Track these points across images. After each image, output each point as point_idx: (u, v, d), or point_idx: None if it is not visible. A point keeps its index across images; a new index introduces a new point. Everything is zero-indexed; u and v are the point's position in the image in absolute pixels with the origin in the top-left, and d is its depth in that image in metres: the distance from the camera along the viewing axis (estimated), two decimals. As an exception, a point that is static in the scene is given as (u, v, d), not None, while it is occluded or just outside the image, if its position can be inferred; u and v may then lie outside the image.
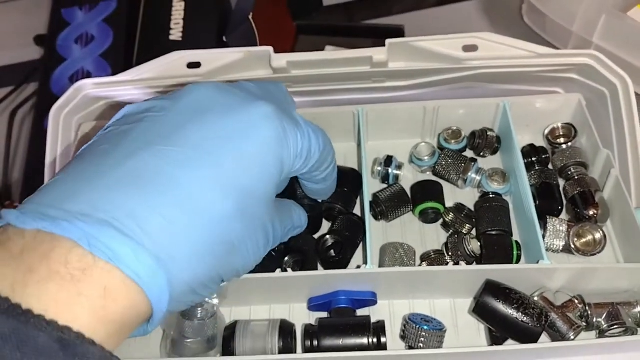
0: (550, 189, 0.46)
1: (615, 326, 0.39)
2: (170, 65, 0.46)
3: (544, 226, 0.43)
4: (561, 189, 0.46)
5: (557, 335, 0.39)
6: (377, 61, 0.44)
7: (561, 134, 0.49)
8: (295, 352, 0.40)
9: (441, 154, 0.48)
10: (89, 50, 0.62)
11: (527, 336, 0.38)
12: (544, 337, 0.39)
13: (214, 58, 0.46)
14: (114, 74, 0.48)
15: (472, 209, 0.46)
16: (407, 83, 0.48)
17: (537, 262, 0.39)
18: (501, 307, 0.38)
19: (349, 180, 0.47)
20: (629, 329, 0.39)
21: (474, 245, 0.43)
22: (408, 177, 0.50)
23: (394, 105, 0.49)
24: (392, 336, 0.41)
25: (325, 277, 0.40)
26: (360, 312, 0.42)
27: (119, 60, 0.61)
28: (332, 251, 0.44)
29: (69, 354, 0.20)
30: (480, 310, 0.38)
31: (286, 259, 0.42)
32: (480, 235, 0.44)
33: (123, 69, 0.47)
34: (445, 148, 0.49)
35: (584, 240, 0.42)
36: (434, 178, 0.49)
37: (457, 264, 0.43)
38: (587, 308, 0.39)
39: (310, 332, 0.39)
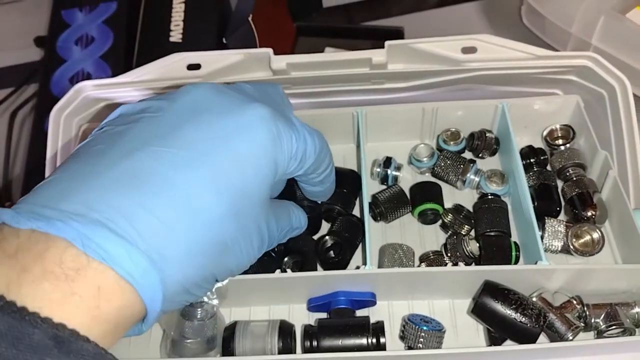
0: (549, 190, 0.46)
1: (614, 327, 0.39)
2: (170, 67, 0.46)
3: (542, 227, 0.43)
4: (559, 190, 0.47)
5: (556, 336, 0.39)
6: (376, 63, 0.45)
7: (559, 135, 0.49)
8: (295, 353, 0.40)
9: (440, 155, 0.49)
10: (89, 51, 0.62)
11: (525, 337, 0.38)
12: (543, 337, 0.39)
13: (213, 60, 0.46)
14: (114, 75, 0.48)
15: (471, 210, 0.46)
16: (406, 85, 0.49)
17: (536, 263, 0.39)
18: (500, 307, 0.38)
19: (348, 181, 0.47)
20: (627, 330, 0.39)
21: (473, 246, 0.43)
22: (407, 178, 0.50)
23: (393, 106, 0.49)
24: (391, 337, 0.41)
25: (324, 278, 0.40)
26: (359, 313, 0.42)
27: (119, 61, 0.61)
28: (332, 252, 0.44)
29: (64, 350, 0.21)
30: (479, 310, 0.38)
31: (285, 259, 0.42)
32: (479, 236, 0.44)
33: (123, 71, 0.47)
34: (444, 149, 0.49)
35: (582, 240, 0.42)
36: (433, 179, 0.49)
37: (455, 264, 0.43)
38: (586, 308, 0.40)
39: (309, 332, 0.40)
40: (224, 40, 0.60)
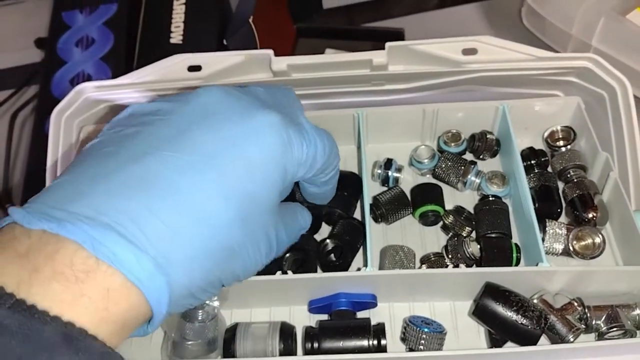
0: (550, 191, 0.46)
1: (614, 328, 0.39)
2: (171, 68, 0.46)
3: (543, 230, 0.43)
4: (560, 191, 0.47)
5: (557, 338, 0.39)
6: (377, 64, 0.45)
7: (560, 136, 0.49)
8: (296, 354, 0.40)
9: (441, 156, 0.49)
10: (90, 53, 0.62)
11: (526, 338, 0.38)
12: (544, 339, 0.39)
13: (214, 61, 0.46)
14: (114, 77, 0.48)
15: (472, 211, 0.46)
16: (407, 86, 0.49)
17: (537, 265, 0.39)
18: (501, 309, 0.38)
19: (349, 184, 0.47)
20: (628, 332, 0.39)
21: (474, 248, 0.43)
22: (408, 180, 0.50)
23: (393, 108, 0.49)
24: (392, 338, 0.41)
25: (325, 280, 0.40)
26: (360, 315, 0.42)
27: (120, 63, 0.61)
28: (332, 255, 0.44)
29: (73, 348, 0.21)
30: (480, 312, 0.38)
31: (287, 255, 0.42)
32: (480, 237, 0.44)
33: (123, 72, 0.47)
34: (445, 151, 0.49)
35: (583, 243, 0.42)
36: (434, 181, 0.49)
37: (456, 266, 0.43)
38: (586, 310, 0.40)
39: (310, 334, 0.39)
40: (225, 42, 0.60)
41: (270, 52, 0.45)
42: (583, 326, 0.39)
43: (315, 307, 0.42)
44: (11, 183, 0.61)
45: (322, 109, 0.49)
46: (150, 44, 0.62)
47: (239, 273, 0.30)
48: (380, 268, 0.43)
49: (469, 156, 0.50)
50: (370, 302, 0.42)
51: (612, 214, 0.44)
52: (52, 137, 0.47)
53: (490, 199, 0.46)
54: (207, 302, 0.40)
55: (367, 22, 0.72)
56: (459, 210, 0.46)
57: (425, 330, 0.39)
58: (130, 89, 0.47)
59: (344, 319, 0.41)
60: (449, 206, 0.47)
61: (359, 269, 0.42)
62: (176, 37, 0.62)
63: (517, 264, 0.43)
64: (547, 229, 0.43)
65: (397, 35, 0.66)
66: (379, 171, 0.49)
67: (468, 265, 0.43)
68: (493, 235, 0.44)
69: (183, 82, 0.46)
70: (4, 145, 0.61)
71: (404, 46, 0.45)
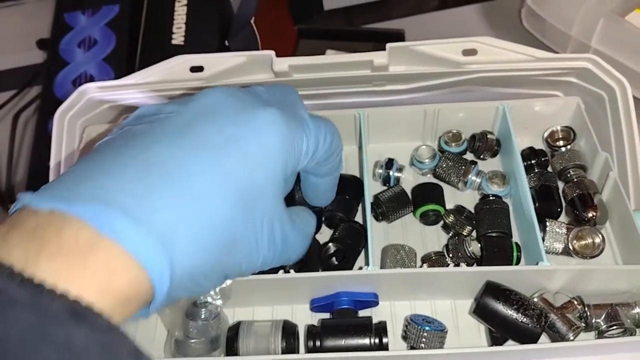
0: (550, 191, 0.46)
1: (614, 327, 0.39)
2: (173, 69, 0.46)
3: (543, 229, 0.43)
4: (560, 191, 0.47)
5: (557, 336, 0.39)
6: (377, 65, 0.45)
7: (560, 136, 0.49)
8: (298, 353, 0.40)
9: (441, 156, 0.49)
10: (92, 54, 0.63)
11: (527, 337, 0.38)
12: (544, 337, 0.39)
13: (216, 62, 0.46)
14: (116, 77, 0.48)
15: (473, 211, 0.47)
16: (408, 86, 0.49)
17: (537, 264, 0.39)
18: (501, 308, 0.38)
19: (350, 187, 0.47)
20: (628, 330, 0.39)
21: (474, 247, 0.44)
22: (409, 180, 0.50)
23: (394, 108, 0.49)
24: (393, 337, 0.41)
25: (327, 279, 0.41)
26: (362, 313, 0.42)
27: (122, 64, 0.62)
28: (334, 259, 0.44)
29: (80, 322, 0.22)
30: (481, 311, 0.39)
31: None
32: (481, 237, 0.45)
33: (125, 73, 0.47)
34: (446, 151, 0.49)
35: (583, 242, 0.43)
36: (435, 180, 0.49)
37: (457, 265, 0.43)
38: (586, 309, 0.40)
39: (312, 332, 0.40)
40: (227, 43, 0.60)
41: (272, 53, 0.45)
42: (583, 324, 0.39)
43: (317, 305, 0.42)
44: (14, 183, 0.61)
45: (323, 110, 0.49)
46: (152, 45, 0.62)
47: (242, 263, 0.31)
48: (382, 267, 0.44)
49: (469, 156, 0.50)
50: (371, 301, 0.42)
51: (611, 214, 0.45)
52: (55, 137, 0.47)
53: (491, 198, 0.46)
54: (210, 300, 0.40)
55: (368, 23, 0.73)
56: (459, 210, 0.46)
57: (427, 328, 0.39)
58: (133, 89, 0.47)
59: (345, 318, 0.41)
60: (449, 205, 0.47)
61: (360, 268, 0.42)
62: (178, 38, 0.62)
63: (518, 263, 0.43)
64: (547, 228, 0.43)
65: (398, 36, 0.66)
66: (380, 171, 0.49)
67: (469, 264, 0.43)
68: (493, 234, 0.44)
69: (185, 82, 0.46)
70: (6, 145, 0.62)
71: (404, 47, 0.45)
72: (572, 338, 0.39)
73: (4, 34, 0.75)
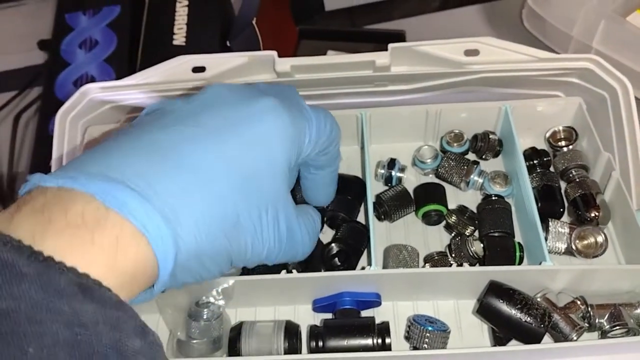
0: (552, 191, 0.46)
1: (617, 327, 0.39)
2: (175, 69, 0.46)
3: (545, 229, 0.43)
4: (562, 191, 0.47)
5: (560, 336, 0.39)
6: (379, 65, 0.45)
7: (562, 137, 0.49)
8: (301, 353, 0.40)
9: (444, 156, 0.49)
10: (93, 55, 0.63)
11: (530, 337, 0.38)
12: (547, 337, 0.39)
13: (218, 62, 0.46)
14: (117, 78, 0.48)
15: (475, 211, 0.47)
16: (410, 87, 0.49)
17: (540, 264, 0.39)
18: (505, 307, 0.38)
19: (352, 188, 0.47)
20: (631, 330, 0.39)
21: (477, 247, 0.43)
22: (411, 180, 0.50)
23: (396, 108, 0.49)
24: (396, 337, 0.41)
25: (329, 279, 0.41)
26: (364, 313, 0.42)
27: (123, 65, 0.62)
28: (337, 259, 0.44)
29: (88, 296, 0.22)
30: (484, 310, 0.39)
31: None
32: (483, 236, 0.44)
33: (127, 74, 0.47)
34: (448, 151, 0.49)
35: (585, 242, 0.43)
36: (437, 180, 0.49)
37: (460, 265, 0.43)
38: (590, 309, 0.40)
39: (315, 332, 0.40)
40: (228, 44, 0.60)
41: (274, 53, 0.45)
42: (586, 325, 0.39)
43: (319, 306, 0.42)
44: (15, 184, 0.61)
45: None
46: (153, 46, 0.62)
47: (248, 248, 0.31)
48: (384, 267, 0.44)
49: (471, 156, 0.50)
50: (374, 301, 0.42)
51: (614, 214, 0.45)
52: (57, 137, 0.47)
53: (493, 198, 0.46)
54: (212, 300, 0.40)
55: (369, 24, 0.73)
56: (462, 210, 0.46)
57: (429, 328, 0.39)
58: (135, 89, 0.47)
59: (348, 318, 0.41)
60: (452, 206, 0.47)
61: (363, 268, 0.42)
62: (179, 38, 0.62)
63: (520, 262, 0.43)
64: (549, 228, 0.43)
65: (399, 37, 0.66)
66: (382, 171, 0.49)
67: (471, 264, 0.43)
68: (496, 234, 0.44)
69: (187, 82, 0.46)
70: (7, 146, 0.61)
71: (406, 47, 0.45)
72: (575, 338, 0.39)
73: (4, 35, 0.75)
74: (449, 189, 0.48)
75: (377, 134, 0.51)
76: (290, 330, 0.40)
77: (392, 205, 0.46)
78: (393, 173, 0.49)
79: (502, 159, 0.51)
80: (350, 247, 0.44)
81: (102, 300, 0.22)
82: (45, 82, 0.62)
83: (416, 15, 0.72)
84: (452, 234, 0.46)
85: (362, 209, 0.48)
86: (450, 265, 0.43)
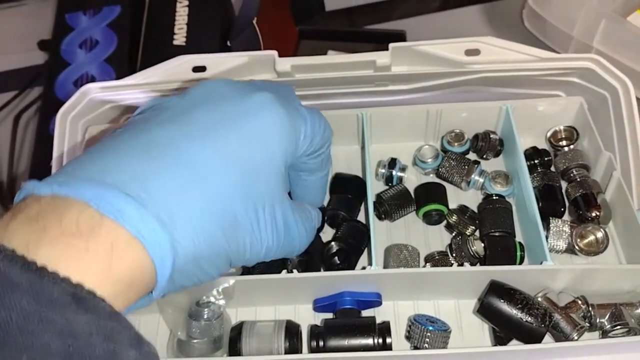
0: (553, 190, 0.46)
1: (618, 327, 0.39)
2: (176, 69, 0.46)
3: (546, 227, 0.43)
4: (563, 191, 0.47)
5: (561, 336, 0.39)
6: (380, 65, 0.45)
7: (563, 136, 0.49)
8: (301, 353, 0.40)
9: (444, 156, 0.49)
10: (93, 55, 0.63)
11: (531, 336, 0.38)
12: (548, 337, 0.39)
13: (219, 62, 0.46)
14: (118, 78, 0.48)
15: (476, 210, 0.47)
16: (410, 87, 0.49)
17: (541, 263, 0.39)
18: (505, 307, 0.38)
19: (353, 187, 0.47)
20: (632, 330, 0.39)
21: (478, 247, 0.43)
22: (412, 179, 0.50)
23: (397, 108, 0.49)
24: (397, 337, 0.41)
25: (330, 278, 0.40)
26: (365, 313, 0.42)
27: (123, 65, 0.62)
28: (337, 258, 0.44)
29: (82, 307, 0.21)
30: (485, 310, 0.39)
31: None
32: (484, 236, 0.44)
33: (127, 74, 0.47)
34: (449, 150, 0.49)
35: (586, 240, 0.43)
36: (438, 180, 0.49)
37: (461, 265, 0.43)
38: (590, 309, 0.40)
39: (316, 332, 0.40)
40: (228, 43, 0.60)
41: (275, 53, 0.45)
42: (587, 324, 0.39)
43: (320, 305, 0.42)
44: (15, 184, 0.61)
45: (325, 110, 0.49)
46: (154, 46, 0.62)
47: (247, 249, 0.31)
48: (385, 267, 0.44)
49: (472, 156, 0.50)
50: (374, 301, 0.42)
51: (615, 213, 0.45)
52: (57, 137, 0.47)
53: (494, 198, 0.46)
54: (213, 300, 0.40)
55: (369, 24, 0.72)
56: (462, 210, 0.46)
57: (430, 328, 0.39)
58: (135, 89, 0.47)
59: (348, 318, 0.41)
60: (452, 205, 0.47)
61: (363, 268, 0.42)
62: (179, 38, 0.62)
63: (521, 262, 0.43)
64: (550, 226, 0.43)
65: (399, 37, 0.66)
66: (383, 171, 0.49)
67: (472, 264, 0.43)
68: (497, 234, 0.44)
69: (188, 82, 0.46)
70: (7, 146, 0.61)
71: (407, 47, 0.45)
72: (576, 338, 0.39)
73: (5, 35, 0.75)
74: (450, 189, 0.48)
75: (378, 133, 0.50)
76: (291, 330, 0.40)
77: (393, 204, 0.46)
78: (394, 173, 0.49)
79: (502, 158, 0.51)
80: (351, 246, 0.44)
81: (96, 310, 0.22)
82: (45, 82, 0.62)
83: (416, 16, 0.72)
84: (453, 234, 0.46)
85: (362, 208, 0.48)
86: (451, 264, 0.43)
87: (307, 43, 0.69)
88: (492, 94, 0.50)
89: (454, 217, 0.46)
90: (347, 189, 0.47)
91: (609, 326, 0.39)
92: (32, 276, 0.21)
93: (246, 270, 0.42)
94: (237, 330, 0.40)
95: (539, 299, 0.40)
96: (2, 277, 0.20)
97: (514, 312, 0.38)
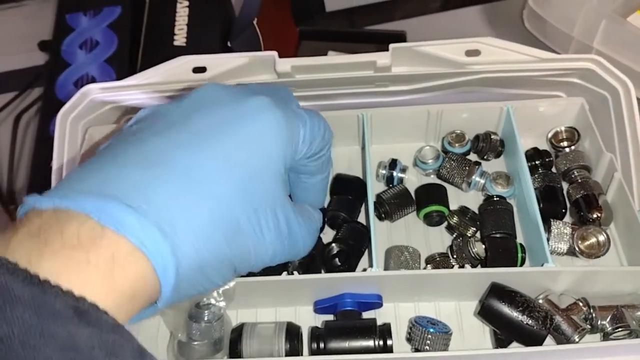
0: (554, 192, 0.46)
1: (620, 329, 0.39)
2: (176, 70, 0.46)
3: (548, 229, 0.43)
4: (565, 192, 0.47)
5: (562, 338, 0.39)
6: (380, 66, 0.45)
7: (564, 137, 0.49)
8: (302, 355, 0.40)
9: (445, 157, 0.49)
10: (94, 55, 0.63)
11: (532, 339, 0.38)
12: (549, 339, 0.39)
13: (219, 62, 0.46)
14: (118, 79, 0.48)
15: (477, 211, 0.46)
16: (411, 87, 0.49)
17: (542, 265, 0.39)
18: (506, 309, 0.38)
19: (353, 188, 0.47)
20: (633, 332, 0.39)
21: (479, 248, 0.43)
22: (412, 180, 0.50)
23: (397, 109, 0.49)
24: (397, 339, 0.41)
25: (330, 280, 0.40)
26: (365, 315, 0.42)
27: (123, 65, 0.62)
28: (337, 259, 0.44)
29: (84, 320, 0.21)
30: (486, 312, 0.39)
31: None
32: (485, 237, 0.44)
33: (127, 75, 0.47)
34: (449, 151, 0.49)
35: (587, 242, 0.43)
36: (438, 181, 0.49)
37: (462, 266, 0.43)
38: (592, 311, 0.40)
39: (316, 334, 0.40)
40: (229, 44, 0.60)
41: (275, 53, 0.45)
42: (588, 326, 0.39)
43: (320, 307, 0.42)
44: (15, 185, 0.61)
45: (326, 110, 0.49)
46: (154, 46, 0.62)
47: (251, 255, 0.31)
48: (386, 268, 0.43)
49: (473, 157, 0.50)
50: (375, 303, 0.42)
51: (616, 215, 0.45)
52: (57, 138, 0.47)
53: (495, 199, 0.46)
54: (213, 302, 0.40)
55: (369, 25, 0.72)
56: (463, 211, 0.46)
57: (431, 330, 0.39)
58: (136, 90, 0.47)
59: (349, 320, 0.41)
60: (453, 206, 0.47)
61: (364, 270, 0.42)
62: (180, 39, 0.62)
63: (522, 264, 0.43)
64: (552, 228, 0.43)
65: (399, 37, 0.66)
66: (384, 171, 0.49)
67: (473, 266, 0.43)
68: (498, 235, 0.44)
69: (188, 83, 0.46)
70: (7, 147, 0.61)
71: (407, 48, 0.45)
72: (577, 340, 0.38)
73: (5, 36, 0.75)
74: (451, 190, 0.48)
75: (378, 134, 0.50)
76: (292, 332, 0.40)
77: (393, 204, 0.46)
78: (394, 173, 0.49)
79: (503, 159, 0.50)
80: (351, 248, 0.44)
81: (98, 323, 0.22)
82: (45, 82, 0.62)
83: (417, 16, 0.71)
84: (454, 235, 0.46)
85: (363, 210, 0.48)
86: (452, 266, 0.43)
87: (308, 44, 0.69)
88: (492, 95, 0.50)
89: (455, 219, 0.45)
90: (347, 190, 0.47)
91: (610, 328, 0.39)
92: (34, 290, 0.21)
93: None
94: (238, 332, 0.40)
95: (540, 301, 0.40)
96: (4, 291, 0.20)
97: (514, 314, 0.38)
